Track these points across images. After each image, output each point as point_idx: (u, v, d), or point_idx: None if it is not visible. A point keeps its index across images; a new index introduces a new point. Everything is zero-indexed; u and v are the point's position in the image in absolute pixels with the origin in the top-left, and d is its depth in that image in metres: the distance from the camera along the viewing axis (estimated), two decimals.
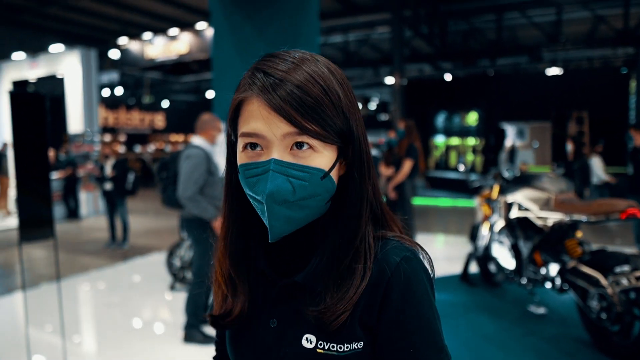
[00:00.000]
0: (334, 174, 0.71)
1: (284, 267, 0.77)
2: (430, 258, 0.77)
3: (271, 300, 0.77)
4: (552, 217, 3.80)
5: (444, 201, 12.56)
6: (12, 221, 9.58)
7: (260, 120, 0.67)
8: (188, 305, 3.72)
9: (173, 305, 4.74)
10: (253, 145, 0.69)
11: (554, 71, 13.90)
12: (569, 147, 6.71)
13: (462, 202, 11.90)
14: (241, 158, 0.70)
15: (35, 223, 3.39)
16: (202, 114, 3.87)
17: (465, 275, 5.10)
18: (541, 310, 4.20)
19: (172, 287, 5.14)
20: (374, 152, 12.78)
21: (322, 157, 0.68)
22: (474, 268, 5.24)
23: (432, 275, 0.75)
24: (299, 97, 0.66)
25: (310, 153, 0.68)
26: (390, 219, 0.80)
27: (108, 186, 7.18)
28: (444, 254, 6.99)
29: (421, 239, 7.34)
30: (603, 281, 3.23)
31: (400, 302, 0.69)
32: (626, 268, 3.19)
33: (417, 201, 11.86)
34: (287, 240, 0.76)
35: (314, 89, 0.67)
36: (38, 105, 3.33)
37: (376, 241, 0.74)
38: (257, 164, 0.68)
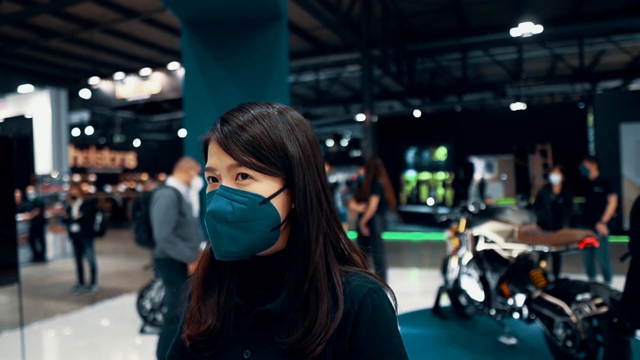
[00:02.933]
0: (279, 205, 0.79)
1: (257, 298, 0.82)
2: (392, 291, 0.83)
3: (244, 331, 0.81)
4: (517, 249, 3.92)
5: (417, 235, 12.69)
6: None
7: (214, 156, 0.80)
8: (159, 348, 3.64)
9: (143, 349, 4.62)
10: (213, 179, 0.81)
11: (518, 106, 14.47)
12: (556, 177, 5.71)
13: (434, 236, 12.05)
14: (207, 189, 0.82)
15: None
16: (184, 156, 3.97)
17: (436, 308, 5.14)
18: (512, 341, 4.26)
19: (143, 331, 5.01)
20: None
21: (263, 186, 0.78)
22: (445, 301, 5.30)
23: (395, 307, 0.81)
24: (239, 134, 0.78)
25: (251, 182, 0.78)
26: (353, 253, 0.86)
27: (75, 228, 7.03)
28: (417, 288, 7.04)
29: (394, 273, 7.38)
30: (567, 310, 3.33)
31: (370, 330, 0.75)
32: (587, 296, 3.30)
33: (390, 236, 11.95)
34: (258, 272, 0.83)
35: (255, 129, 0.78)
36: (5, 148, 3.31)
37: (341, 276, 0.80)
38: (213, 191, 0.80)
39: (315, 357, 0.74)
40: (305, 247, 0.78)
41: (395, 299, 0.82)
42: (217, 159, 0.79)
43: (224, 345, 0.82)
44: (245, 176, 0.77)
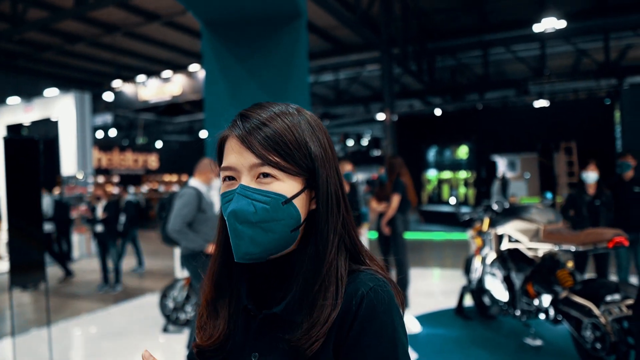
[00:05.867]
0: (300, 205, 0.77)
1: (266, 301, 0.81)
2: (401, 292, 0.81)
3: (252, 334, 0.80)
4: (542, 248, 3.83)
5: (438, 235, 12.56)
6: (2, 265, 9.46)
7: (233, 154, 0.77)
8: (191, 339, 3.72)
9: (166, 348, 4.67)
10: (230, 178, 0.78)
11: (541, 103, 14.19)
12: (593, 175, 4.91)
13: (456, 235, 11.91)
14: (222, 188, 0.79)
15: (26, 267, 3.37)
16: (203, 158, 4.21)
17: (460, 308, 5.07)
18: (537, 343, 4.17)
19: (166, 329, 5.06)
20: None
21: (285, 186, 0.76)
22: (469, 301, 5.22)
23: (401, 309, 0.78)
24: (264, 132, 0.76)
25: (273, 181, 0.75)
26: (367, 256, 0.84)
27: (99, 228, 7.15)
28: (440, 287, 6.96)
29: (416, 273, 7.31)
30: (595, 311, 3.24)
31: (360, 330, 0.73)
32: (617, 297, 3.20)
33: (412, 235, 11.84)
34: (269, 274, 0.81)
35: (278, 125, 0.77)
36: (31, 149, 3.38)
37: (349, 274, 0.78)
38: (231, 191, 0.77)
39: (314, 353, 0.72)
40: (322, 248, 0.77)
41: (402, 300, 0.79)
42: (238, 156, 0.76)
43: (232, 349, 0.81)
44: (266, 175, 0.75)
